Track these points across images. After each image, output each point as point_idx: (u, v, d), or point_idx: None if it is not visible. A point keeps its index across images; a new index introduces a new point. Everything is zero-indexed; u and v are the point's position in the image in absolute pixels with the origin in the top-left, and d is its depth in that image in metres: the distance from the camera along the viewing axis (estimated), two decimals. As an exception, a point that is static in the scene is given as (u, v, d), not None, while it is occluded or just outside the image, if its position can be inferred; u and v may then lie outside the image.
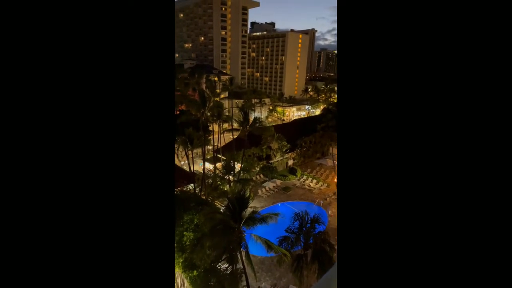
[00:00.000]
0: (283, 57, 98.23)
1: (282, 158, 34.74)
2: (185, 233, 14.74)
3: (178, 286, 15.91)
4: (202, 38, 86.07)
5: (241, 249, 12.58)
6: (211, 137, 31.31)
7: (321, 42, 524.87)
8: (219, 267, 13.63)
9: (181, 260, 14.08)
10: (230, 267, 12.99)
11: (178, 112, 32.92)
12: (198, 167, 31.53)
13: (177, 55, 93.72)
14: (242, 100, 52.25)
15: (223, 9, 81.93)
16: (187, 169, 28.09)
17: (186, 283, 14.20)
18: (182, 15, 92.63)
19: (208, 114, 27.92)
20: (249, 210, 13.30)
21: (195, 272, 13.27)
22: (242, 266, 12.86)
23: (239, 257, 12.63)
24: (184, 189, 22.91)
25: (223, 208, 16.86)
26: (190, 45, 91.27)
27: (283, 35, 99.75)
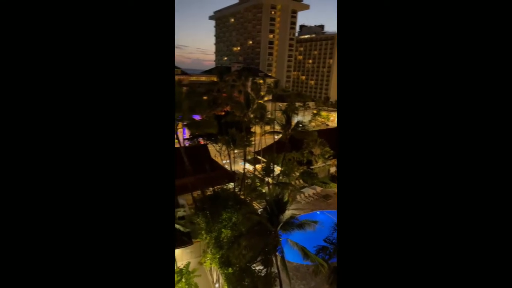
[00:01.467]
0: (331, 60, 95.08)
1: (324, 164, 33.56)
2: (223, 230, 15.19)
3: (213, 281, 16.45)
4: (250, 42, 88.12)
5: (277, 253, 12.46)
6: (253, 138, 31.78)
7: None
8: (254, 268, 13.71)
9: (218, 256, 14.52)
10: (265, 269, 12.97)
11: (223, 113, 34.19)
12: (238, 167, 32.28)
13: (225, 58, 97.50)
14: (285, 103, 51.95)
15: (273, 12, 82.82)
16: (228, 168, 28.95)
17: (221, 279, 14.60)
18: (232, 20, 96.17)
19: (251, 115, 28.40)
20: (287, 215, 13.13)
21: (230, 270, 13.56)
22: (276, 271, 12.74)
23: (274, 261, 12.54)
24: (224, 187, 23.63)
25: (261, 209, 16.96)
26: (239, 48, 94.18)
27: (332, 37, 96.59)
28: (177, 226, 14.44)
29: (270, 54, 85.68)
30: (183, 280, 13.11)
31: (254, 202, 22.28)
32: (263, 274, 13.10)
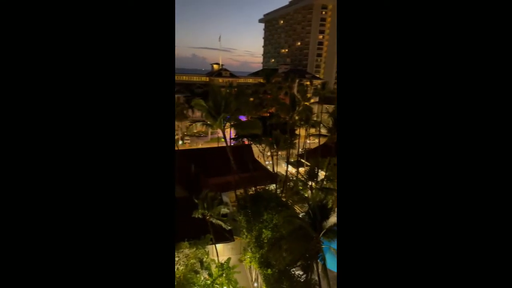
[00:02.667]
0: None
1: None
2: (263, 230, 15.30)
3: (251, 280, 16.68)
4: (299, 43, 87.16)
5: (318, 260, 12.08)
6: (297, 141, 31.34)
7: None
8: (293, 272, 13.51)
9: (258, 256, 14.66)
10: (305, 275, 12.67)
11: (268, 114, 34.47)
12: (281, 169, 32.16)
13: (273, 60, 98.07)
14: (333, 106, 50.06)
15: (323, 12, 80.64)
16: (271, 169, 29.05)
17: (260, 279, 14.71)
18: (282, 21, 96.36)
19: (296, 118, 28.05)
20: (330, 222, 12.64)
21: (269, 271, 13.59)
22: (317, 278, 12.35)
23: (315, 267, 12.17)
24: (266, 188, 23.78)
25: (302, 214, 16.61)
26: (287, 50, 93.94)
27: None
28: (219, 222, 15.00)
29: (319, 55, 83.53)
30: (224, 275, 13.57)
31: (295, 205, 21.95)
32: (302, 280, 12.82)
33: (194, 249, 14.33)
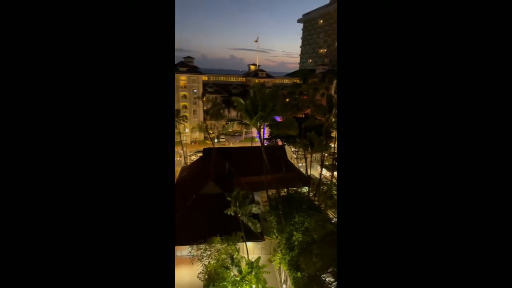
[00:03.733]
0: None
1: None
2: (294, 233, 15.11)
3: (280, 281, 16.59)
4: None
5: (351, 269, 11.57)
6: (333, 143, 30.35)
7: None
8: (323, 278, 13.14)
9: (288, 258, 14.54)
10: (335, 283, 12.24)
11: (303, 116, 33.92)
12: (314, 171, 31.43)
13: (310, 60, 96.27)
14: (373, 109, 47.35)
15: (366, 11, 76.91)
16: (304, 172, 28.56)
17: (289, 281, 14.57)
18: (321, 21, 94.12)
19: (333, 120, 27.17)
20: (366, 230, 12.02)
21: (299, 274, 13.39)
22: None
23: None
24: (299, 190, 23.45)
25: (336, 219, 16.05)
26: (325, 50, 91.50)
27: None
28: (248, 222, 15.15)
29: (359, 55, 79.79)
30: (253, 273, 13.71)
31: (328, 210, 21.30)
32: (333, 287, 12.40)
33: (226, 245, 14.70)
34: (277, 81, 58.67)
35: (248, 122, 18.35)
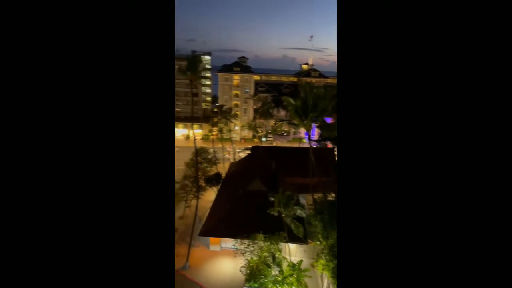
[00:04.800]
0: None
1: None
2: (340, 240, 14.42)
3: (322, 287, 16.04)
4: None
5: None
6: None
7: None
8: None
9: (332, 265, 13.97)
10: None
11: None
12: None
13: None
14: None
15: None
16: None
17: (331, 290, 13.99)
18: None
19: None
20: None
21: (342, 284, 12.76)
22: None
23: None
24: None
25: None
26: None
27: None
28: (291, 225, 14.95)
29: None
30: (294, 275, 13.55)
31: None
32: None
33: (268, 243, 14.83)
34: (330, 80, 56.46)
35: (297, 123, 18.12)
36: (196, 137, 26.19)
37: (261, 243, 14.94)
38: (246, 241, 15.76)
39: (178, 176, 19.52)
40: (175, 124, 50.29)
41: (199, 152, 24.41)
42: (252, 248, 15.22)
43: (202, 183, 23.56)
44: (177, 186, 21.52)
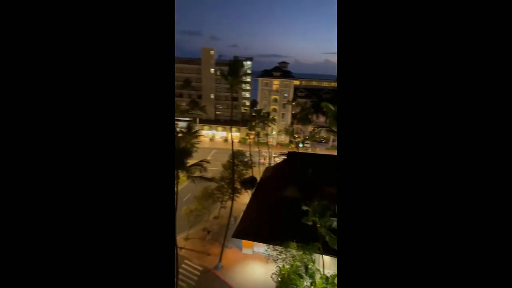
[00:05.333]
0: None
1: None
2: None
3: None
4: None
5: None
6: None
7: None
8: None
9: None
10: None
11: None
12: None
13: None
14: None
15: None
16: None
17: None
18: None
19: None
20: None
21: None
22: None
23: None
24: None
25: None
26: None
27: None
28: (327, 236, 14.30)
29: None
30: (328, 289, 12.93)
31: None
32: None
33: (301, 252, 14.42)
34: (375, 86, 53.38)
35: (336, 130, 17.45)
36: (234, 140, 26.81)
37: (294, 252, 14.59)
38: (278, 247, 15.54)
39: (215, 176, 20.15)
40: (215, 127, 52.36)
41: (236, 155, 24.95)
42: (284, 256, 14.95)
43: (237, 185, 23.98)
44: (213, 186, 22.21)
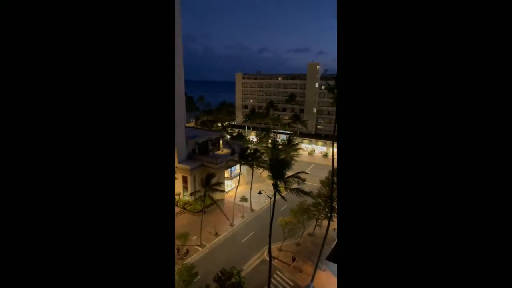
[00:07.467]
0: None
1: None
2: None
3: None
4: None
5: None
6: None
7: None
8: None
9: None
10: None
11: None
12: None
13: None
14: None
15: None
16: None
17: None
18: None
19: None
20: None
21: None
22: None
23: None
24: None
25: None
26: None
27: None
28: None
29: None
30: None
31: None
32: None
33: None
34: None
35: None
36: (335, 156, 25.46)
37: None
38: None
39: (312, 191, 19.59)
40: (315, 141, 51.54)
41: (336, 172, 23.55)
42: None
43: (335, 204, 22.47)
44: (309, 202, 21.63)
